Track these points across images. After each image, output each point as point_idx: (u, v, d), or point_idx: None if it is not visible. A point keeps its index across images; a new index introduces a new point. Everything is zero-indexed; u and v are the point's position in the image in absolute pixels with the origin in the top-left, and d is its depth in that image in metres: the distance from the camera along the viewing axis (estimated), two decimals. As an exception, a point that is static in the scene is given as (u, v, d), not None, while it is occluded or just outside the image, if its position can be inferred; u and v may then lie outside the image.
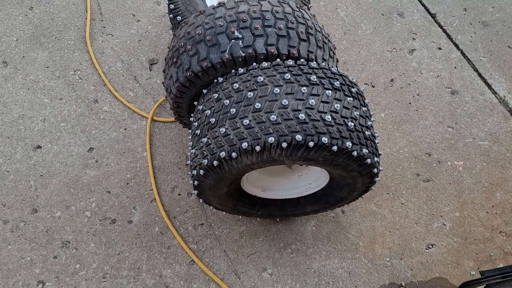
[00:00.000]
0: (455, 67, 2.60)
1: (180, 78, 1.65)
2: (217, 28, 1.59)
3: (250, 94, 1.45)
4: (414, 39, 2.72)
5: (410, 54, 2.65)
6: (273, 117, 1.39)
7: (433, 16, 2.83)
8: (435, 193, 2.18)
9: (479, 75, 2.58)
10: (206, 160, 1.48)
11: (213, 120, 1.49)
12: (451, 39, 2.73)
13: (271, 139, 1.36)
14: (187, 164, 2.22)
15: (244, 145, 1.39)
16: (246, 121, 1.41)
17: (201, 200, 1.74)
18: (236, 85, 1.51)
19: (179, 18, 2.08)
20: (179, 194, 2.14)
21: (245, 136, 1.40)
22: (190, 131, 1.80)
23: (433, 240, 2.05)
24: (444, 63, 2.62)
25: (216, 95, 1.55)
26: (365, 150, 1.43)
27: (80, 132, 2.30)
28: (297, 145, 1.35)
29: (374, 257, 2.00)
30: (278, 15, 1.64)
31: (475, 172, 2.24)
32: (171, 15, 2.20)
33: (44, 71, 2.51)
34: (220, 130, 1.44)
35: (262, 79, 1.48)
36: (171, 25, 2.37)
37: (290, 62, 1.54)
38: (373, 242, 2.03)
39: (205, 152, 1.49)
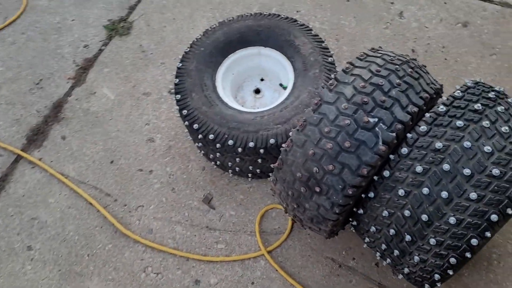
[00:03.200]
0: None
1: (336, 201, 1.36)
2: (345, 128, 1.30)
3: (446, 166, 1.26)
4: None
5: None
6: None
7: None
8: None
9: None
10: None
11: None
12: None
13: None
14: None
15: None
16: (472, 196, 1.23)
17: None
18: (428, 158, 1.29)
19: (196, 126, 1.87)
20: None
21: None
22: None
23: None
24: None
25: (410, 181, 1.31)
26: None
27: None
28: None
29: None
30: (381, 73, 1.38)
31: None
32: (186, 123, 1.92)
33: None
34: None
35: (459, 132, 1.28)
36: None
37: (443, 108, 1.34)
38: None
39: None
